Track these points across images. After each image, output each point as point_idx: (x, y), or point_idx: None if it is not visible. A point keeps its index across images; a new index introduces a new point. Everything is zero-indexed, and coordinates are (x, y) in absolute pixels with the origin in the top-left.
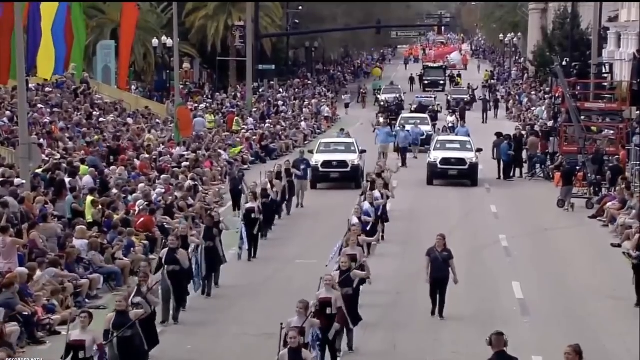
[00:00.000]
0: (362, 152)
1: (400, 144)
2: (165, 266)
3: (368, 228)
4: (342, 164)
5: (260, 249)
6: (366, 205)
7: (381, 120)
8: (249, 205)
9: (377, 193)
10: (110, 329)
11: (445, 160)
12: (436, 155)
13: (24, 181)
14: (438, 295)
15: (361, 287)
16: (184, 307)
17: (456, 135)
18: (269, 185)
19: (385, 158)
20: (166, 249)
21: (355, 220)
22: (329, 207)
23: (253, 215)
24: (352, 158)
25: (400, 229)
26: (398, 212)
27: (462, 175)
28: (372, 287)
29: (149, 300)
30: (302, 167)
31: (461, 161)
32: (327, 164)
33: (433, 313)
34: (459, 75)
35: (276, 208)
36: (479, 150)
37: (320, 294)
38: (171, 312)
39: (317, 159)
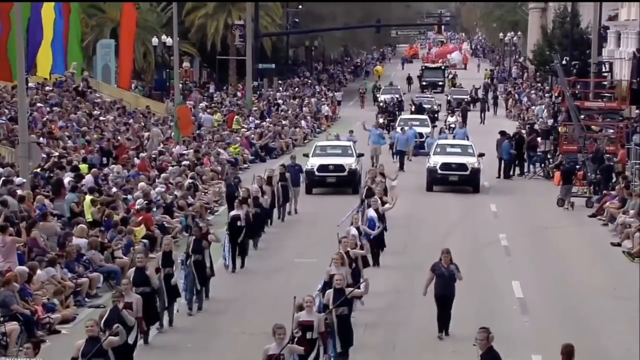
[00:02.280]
0: (360, 155)
1: (398, 147)
2: (134, 287)
3: (371, 237)
4: (339, 168)
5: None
6: (371, 213)
7: (380, 120)
8: (234, 212)
9: (379, 201)
10: (78, 357)
11: (445, 166)
12: (436, 160)
13: (24, 180)
14: (444, 314)
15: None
16: (167, 325)
17: (454, 137)
18: (260, 193)
19: (377, 161)
20: (133, 268)
21: (353, 231)
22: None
23: (239, 223)
24: (349, 162)
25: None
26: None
27: (463, 181)
28: (373, 287)
29: (125, 318)
30: (293, 172)
31: (462, 166)
32: (323, 168)
33: (440, 335)
34: (455, 76)
35: (267, 215)
36: (481, 155)
37: (299, 316)
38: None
39: (312, 162)
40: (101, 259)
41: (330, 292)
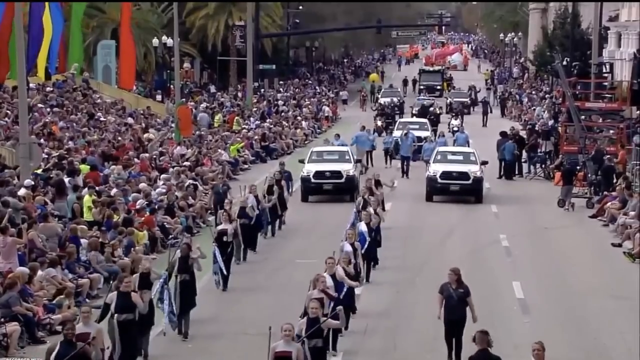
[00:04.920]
0: (357, 161)
1: (402, 152)
2: (116, 315)
3: (363, 251)
4: (336, 174)
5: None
6: (362, 227)
7: (379, 123)
8: (221, 227)
9: (372, 211)
10: None
11: (446, 174)
12: (436, 169)
13: (32, 182)
14: (454, 339)
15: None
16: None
17: (455, 140)
18: (249, 203)
19: (366, 166)
20: (114, 293)
21: (347, 247)
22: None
23: (225, 239)
24: (346, 168)
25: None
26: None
27: (465, 191)
28: (373, 286)
29: (87, 352)
30: (283, 180)
31: (464, 175)
32: (319, 174)
33: (450, 358)
34: (452, 79)
35: (262, 227)
36: (485, 162)
37: (276, 346)
38: None
39: (308, 169)
40: (101, 260)
41: (303, 322)
